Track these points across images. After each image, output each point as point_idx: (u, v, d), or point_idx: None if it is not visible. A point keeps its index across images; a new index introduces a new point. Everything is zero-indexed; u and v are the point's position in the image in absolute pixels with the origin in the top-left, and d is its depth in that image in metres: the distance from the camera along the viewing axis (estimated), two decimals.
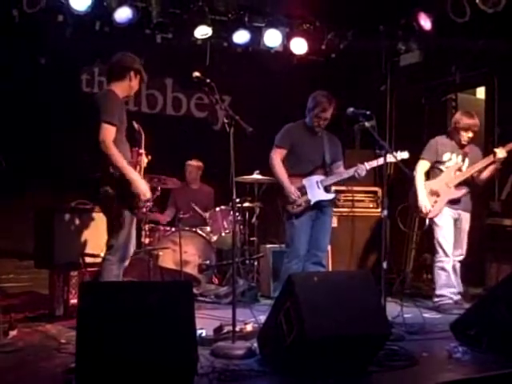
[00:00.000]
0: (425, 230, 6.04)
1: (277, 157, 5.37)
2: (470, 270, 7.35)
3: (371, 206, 7.14)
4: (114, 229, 4.38)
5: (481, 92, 7.81)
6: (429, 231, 5.93)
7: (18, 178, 6.61)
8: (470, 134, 5.70)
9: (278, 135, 5.46)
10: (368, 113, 4.74)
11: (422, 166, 5.73)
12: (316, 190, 5.33)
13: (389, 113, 8.07)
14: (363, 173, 5.25)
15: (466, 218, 5.83)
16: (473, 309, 4.35)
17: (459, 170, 5.74)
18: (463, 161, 5.76)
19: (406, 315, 4.80)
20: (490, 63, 6.95)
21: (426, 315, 5.15)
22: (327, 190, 5.40)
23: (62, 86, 7.04)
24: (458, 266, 5.82)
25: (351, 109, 4.78)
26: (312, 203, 5.29)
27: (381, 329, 3.64)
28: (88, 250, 5.24)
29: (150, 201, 4.73)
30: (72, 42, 6.69)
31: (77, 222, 5.31)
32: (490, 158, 5.63)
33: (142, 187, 4.31)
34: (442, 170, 5.76)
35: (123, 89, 4.53)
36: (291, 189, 5.26)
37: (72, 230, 5.33)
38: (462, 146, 5.76)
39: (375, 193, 7.16)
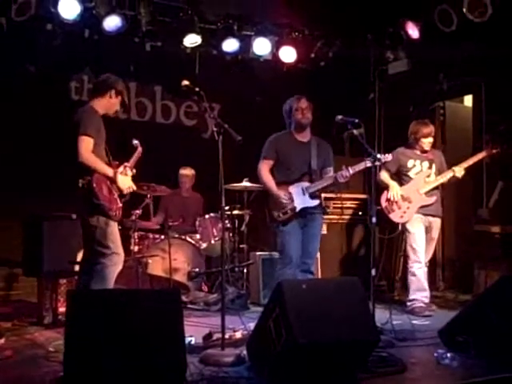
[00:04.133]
0: (400, 236, 6.17)
1: (263, 167, 5.38)
2: (458, 277, 7.42)
3: (360, 213, 7.17)
4: (98, 238, 4.45)
5: (468, 100, 7.88)
6: (403, 237, 6.15)
7: (6, 186, 6.60)
8: (431, 139, 6.03)
9: (263, 146, 5.45)
10: (356, 121, 4.79)
11: (383, 173, 5.98)
12: (301, 196, 5.28)
13: (377, 121, 8.12)
14: (345, 177, 5.18)
15: (437, 225, 6.05)
16: (461, 315, 4.37)
17: (428, 176, 5.98)
18: (430, 167, 6.02)
19: (394, 322, 4.82)
20: (477, 71, 7.01)
21: (414, 322, 5.17)
22: (312, 196, 5.33)
23: (50, 93, 7.04)
24: (426, 270, 5.98)
25: (340, 116, 4.83)
26: (297, 210, 5.24)
27: (369, 335, 3.65)
28: (76, 258, 5.22)
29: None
30: (61, 50, 6.69)
31: (65, 230, 5.30)
32: (451, 173, 5.89)
33: (124, 183, 4.59)
34: (410, 177, 5.99)
35: (103, 105, 4.67)
36: (279, 193, 5.23)
37: (60, 238, 5.32)
38: (424, 152, 6.02)
39: (364, 200, 7.19)
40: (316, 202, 5.35)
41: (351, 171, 5.18)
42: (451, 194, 7.24)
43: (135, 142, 4.92)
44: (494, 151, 5.90)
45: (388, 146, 6.77)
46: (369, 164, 4.91)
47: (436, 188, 5.98)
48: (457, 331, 4.20)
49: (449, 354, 3.92)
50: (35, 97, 6.90)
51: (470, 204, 7.27)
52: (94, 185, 4.39)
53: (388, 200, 5.92)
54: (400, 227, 6.05)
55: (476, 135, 7.20)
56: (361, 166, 5.13)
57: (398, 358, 3.94)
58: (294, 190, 5.29)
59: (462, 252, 7.46)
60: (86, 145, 4.40)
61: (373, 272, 4.50)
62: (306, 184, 5.32)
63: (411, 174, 5.98)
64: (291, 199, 5.25)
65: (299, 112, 5.33)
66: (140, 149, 4.88)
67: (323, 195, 5.67)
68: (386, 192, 5.97)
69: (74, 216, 5.20)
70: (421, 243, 5.86)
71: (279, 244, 5.31)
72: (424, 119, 6.24)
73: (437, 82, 7.44)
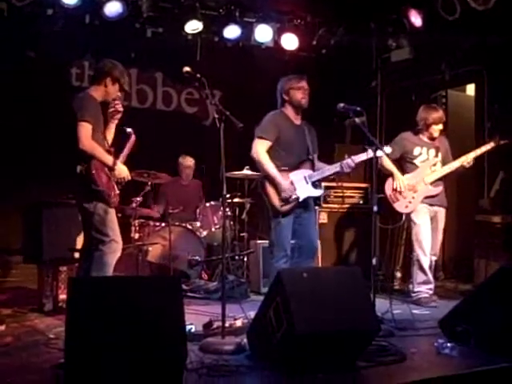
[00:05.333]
0: (401, 225, 6.15)
1: (261, 149, 4.97)
2: (458, 267, 7.43)
3: (361, 202, 7.16)
4: (96, 225, 4.44)
5: (471, 89, 7.85)
6: (404, 226, 6.13)
7: (6, 173, 6.59)
8: (441, 126, 5.88)
9: (260, 126, 5.07)
10: (358, 109, 4.72)
11: (386, 158, 5.65)
12: (304, 185, 5.02)
13: (379, 109, 8.09)
14: (350, 167, 4.99)
15: (441, 215, 5.94)
16: (461, 305, 4.36)
17: (434, 165, 5.88)
18: (436, 155, 5.90)
19: (395, 311, 4.80)
20: (479, 60, 6.99)
21: (414, 311, 5.17)
22: (315, 185, 5.09)
23: (51, 79, 7.02)
24: (433, 263, 5.92)
25: (342, 104, 4.76)
26: (301, 200, 4.96)
27: (370, 325, 3.65)
28: (77, 245, 5.21)
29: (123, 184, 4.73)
30: (62, 35, 6.66)
31: (65, 216, 5.28)
32: (460, 162, 5.78)
33: (120, 172, 4.57)
34: (415, 165, 5.86)
35: (100, 93, 4.62)
36: (286, 184, 4.93)
37: (60, 225, 5.31)
38: (433, 139, 5.89)
39: (365, 189, 7.18)
40: (320, 192, 5.19)
41: (356, 160, 4.99)
42: (452, 184, 7.21)
43: (129, 130, 4.81)
44: (502, 142, 5.74)
45: (390, 134, 6.75)
46: (371, 154, 4.73)
47: (440, 178, 5.86)
48: (457, 321, 4.19)
49: (449, 344, 3.92)
50: (35, 83, 6.87)
51: (471, 194, 7.26)
52: (93, 171, 4.37)
53: (394, 189, 5.79)
54: (404, 217, 5.93)
55: (478, 124, 7.19)
56: (363, 157, 4.95)
57: (398, 348, 3.93)
58: (296, 177, 5.01)
59: (463, 242, 7.47)
60: (86, 131, 4.38)
61: (373, 261, 4.48)
62: (307, 172, 5.06)
63: (417, 161, 5.83)
64: (294, 188, 4.97)
65: (301, 91, 5.03)
66: (134, 137, 4.81)
67: (323, 184, 5.55)
68: (390, 180, 5.83)
69: (74, 202, 5.19)
70: (426, 235, 5.76)
71: (274, 235, 5.01)
72: (432, 104, 6.15)
73: (439, 71, 7.41)
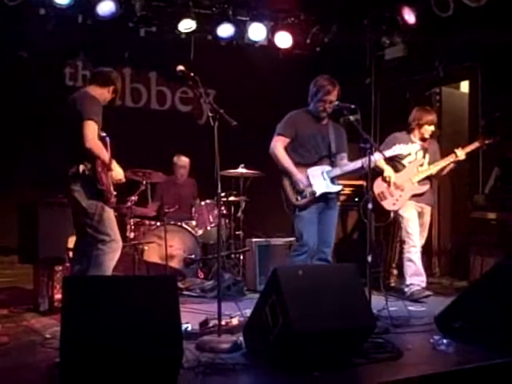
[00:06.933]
0: (389, 223, 6.22)
1: (279, 145, 5.03)
2: (454, 263, 7.44)
3: (356, 199, 7.16)
4: (96, 225, 4.44)
5: (465, 86, 7.86)
6: (393, 224, 6.22)
7: (1, 172, 6.57)
8: (432, 128, 5.98)
9: (280, 123, 5.13)
10: (353, 106, 4.74)
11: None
12: (321, 181, 5.01)
13: (373, 106, 8.10)
14: (372, 164, 4.81)
15: (428, 212, 6.10)
16: (457, 301, 4.37)
17: (421, 165, 5.97)
18: (424, 157, 6.00)
19: (390, 308, 4.82)
20: (473, 57, 6.99)
21: (410, 308, 5.18)
22: (333, 181, 5.07)
23: (44, 79, 6.99)
24: (419, 255, 5.99)
25: (336, 102, 4.79)
26: (317, 195, 4.95)
27: (366, 322, 3.66)
28: (72, 245, 5.20)
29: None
30: (54, 35, 6.66)
31: (61, 216, 5.26)
32: (452, 157, 5.87)
33: (117, 173, 4.63)
34: (403, 165, 5.97)
35: (98, 94, 4.65)
36: (300, 176, 4.95)
37: (56, 225, 5.29)
38: (423, 140, 5.98)
39: (359, 186, 7.18)
40: (338, 188, 5.11)
41: (377, 157, 4.97)
42: (447, 181, 7.24)
43: (103, 134, 4.74)
44: (487, 142, 5.88)
45: (384, 131, 6.75)
46: (398, 151, 4.97)
47: (428, 178, 5.95)
48: (453, 317, 4.21)
49: (445, 340, 3.93)
50: (28, 83, 6.85)
51: (466, 191, 7.27)
52: (99, 169, 4.40)
53: (384, 180, 5.87)
54: (392, 214, 6.04)
55: (472, 121, 7.20)
56: (395, 151, 5.09)
57: (394, 344, 3.94)
58: (314, 173, 5.01)
59: (458, 238, 7.48)
60: (93, 130, 4.38)
61: (369, 258, 4.49)
62: (326, 168, 5.06)
63: (405, 161, 5.95)
64: (310, 183, 4.97)
65: (324, 103, 5.00)
66: (108, 140, 4.78)
67: None
68: (379, 180, 5.92)
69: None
70: (415, 228, 5.88)
71: (296, 230, 5.03)
72: (425, 106, 6.24)
73: (433, 68, 7.42)
